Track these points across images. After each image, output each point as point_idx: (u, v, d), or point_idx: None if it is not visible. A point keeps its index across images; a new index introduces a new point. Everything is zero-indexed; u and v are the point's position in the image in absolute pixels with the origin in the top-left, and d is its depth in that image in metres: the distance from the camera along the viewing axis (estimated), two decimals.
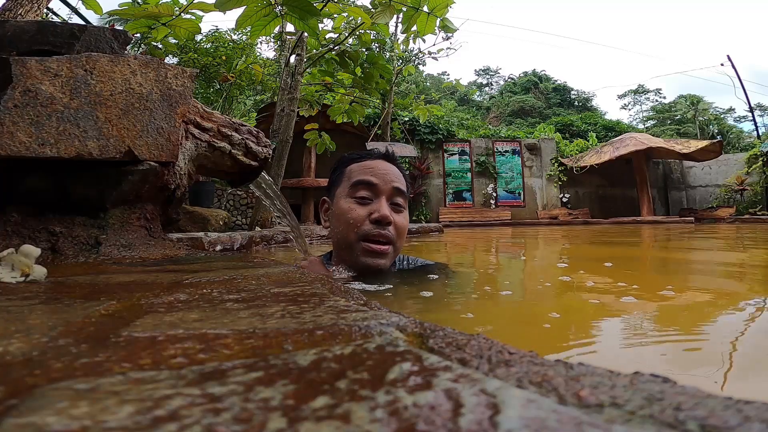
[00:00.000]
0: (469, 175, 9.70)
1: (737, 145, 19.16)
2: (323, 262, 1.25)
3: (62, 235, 0.98)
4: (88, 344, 0.30)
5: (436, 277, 1.16)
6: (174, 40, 2.83)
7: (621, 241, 3.42)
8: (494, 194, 9.52)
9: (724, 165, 10.03)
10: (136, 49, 4.96)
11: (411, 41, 4.41)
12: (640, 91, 36.57)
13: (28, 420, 0.18)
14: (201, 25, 2.17)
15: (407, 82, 17.95)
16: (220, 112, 1.41)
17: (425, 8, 2.28)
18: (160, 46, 2.90)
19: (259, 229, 3.45)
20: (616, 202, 9.94)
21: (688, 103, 28.47)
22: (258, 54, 8.58)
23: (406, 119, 9.00)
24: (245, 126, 1.42)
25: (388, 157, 1.22)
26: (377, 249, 1.08)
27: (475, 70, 42.04)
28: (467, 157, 9.74)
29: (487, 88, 39.32)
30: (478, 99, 35.08)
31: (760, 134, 11.99)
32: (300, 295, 0.49)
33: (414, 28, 2.46)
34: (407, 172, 1.29)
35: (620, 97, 37.81)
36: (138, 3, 3.03)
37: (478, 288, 1.17)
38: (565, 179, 9.65)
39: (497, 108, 29.45)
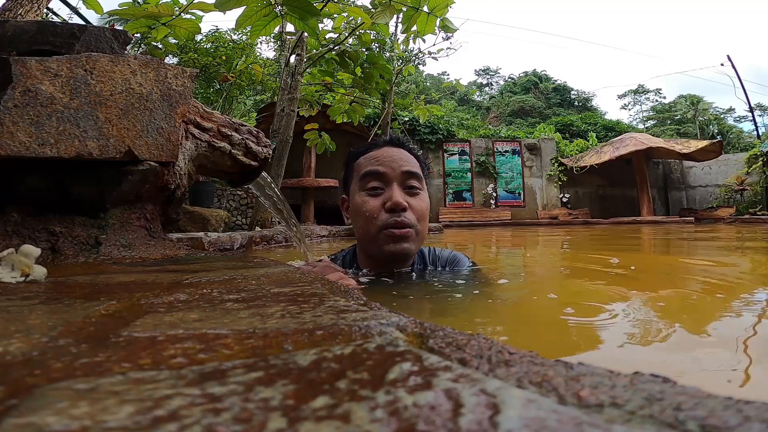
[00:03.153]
0: (469, 175, 9.70)
1: (737, 145, 19.16)
2: (335, 262, 1.23)
3: (62, 235, 0.98)
4: (88, 344, 0.30)
5: (465, 283, 1.12)
6: (174, 40, 2.83)
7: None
8: (494, 194, 9.52)
9: (724, 165, 10.03)
10: (136, 49, 4.96)
11: (411, 41, 4.41)
12: (640, 91, 36.57)
13: (28, 420, 0.18)
14: (201, 25, 2.17)
15: (407, 82, 17.95)
16: (220, 112, 1.41)
17: (425, 8, 2.28)
18: (160, 46, 2.90)
19: (259, 229, 3.45)
20: (616, 202, 9.94)
21: (688, 103, 28.47)
22: (258, 54, 8.59)
23: (406, 119, 9.00)
24: (245, 126, 1.42)
25: (394, 142, 1.19)
26: (398, 234, 1.07)
27: (475, 70, 42.09)
28: (467, 157, 9.75)
29: (487, 88, 39.33)
30: (478, 99, 35.09)
31: (760, 134, 11.99)
32: (300, 295, 0.49)
33: (414, 28, 2.46)
34: (420, 152, 1.23)
35: (620, 97, 37.84)
36: (138, 3, 3.03)
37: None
38: (565, 179, 9.65)
39: (497, 108, 29.46)
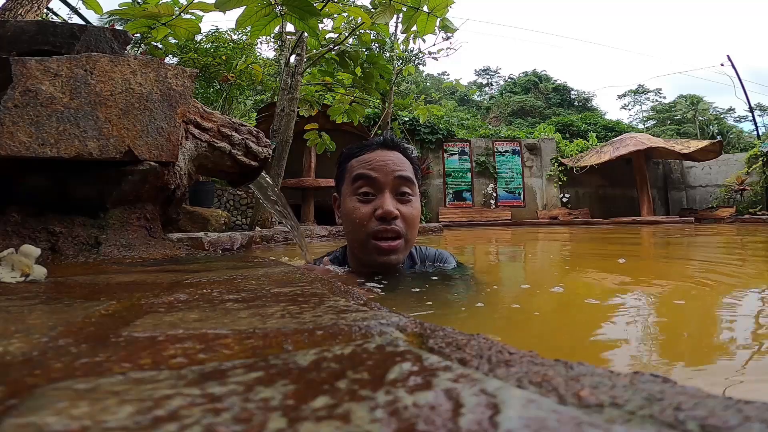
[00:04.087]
0: (469, 175, 9.70)
1: (737, 145, 19.14)
2: (332, 264, 1.24)
3: (62, 235, 0.98)
4: (88, 344, 0.30)
5: (454, 283, 1.13)
6: (174, 40, 2.83)
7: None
8: (494, 194, 9.52)
9: (724, 165, 10.03)
10: (136, 49, 4.96)
11: (411, 41, 4.41)
12: (640, 91, 36.56)
13: (28, 420, 0.18)
14: (201, 25, 2.17)
15: (407, 82, 17.95)
16: (220, 112, 1.41)
17: (425, 8, 2.28)
18: (160, 46, 2.90)
19: (259, 229, 3.44)
20: (616, 202, 9.94)
21: (688, 103, 28.47)
22: (258, 54, 8.59)
23: (406, 119, 9.00)
24: (245, 126, 1.42)
25: (387, 144, 1.16)
26: (386, 247, 1.06)
27: (475, 70, 42.08)
28: (467, 157, 9.74)
29: (487, 88, 39.32)
30: (478, 99, 35.07)
31: (760, 134, 11.99)
32: (300, 295, 0.49)
33: (414, 28, 2.46)
34: (414, 154, 1.20)
35: (620, 97, 37.83)
36: (138, 3, 3.03)
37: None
38: (565, 179, 9.65)
39: (497, 108, 29.44)
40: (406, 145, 1.20)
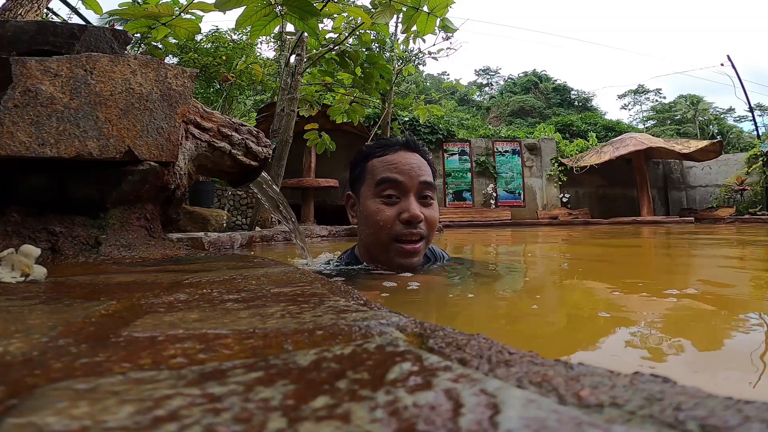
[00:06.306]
0: (469, 175, 9.70)
1: (737, 145, 19.13)
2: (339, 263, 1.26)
3: (62, 235, 0.98)
4: (88, 344, 0.30)
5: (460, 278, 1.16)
6: (174, 40, 2.83)
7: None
8: (494, 194, 9.52)
9: (724, 165, 10.03)
10: (136, 49, 4.96)
11: (411, 41, 4.41)
12: (640, 91, 36.56)
13: (28, 420, 0.18)
14: (201, 25, 2.17)
15: (407, 82, 17.95)
16: (220, 112, 1.41)
17: (425, 8, 2.28)
18: (160, 46, 2.90)
19: (259, 229, 3.44)
20: (616, 202, 9.94)
21: (688, 103, 28.46)
22: (258, 54, 8.58)
23: (406, 119, 9.00)
24: (245, 126, 1.42)
25: (410, 145, 1.16)
26: (410, 249, 1.07)
27: (475, 70, 42.08)
28: (467, 157, 9.74)
29: (487, 88, 39.33)
30: (478, 99, 35.08)
31: (760, 134, 11.99)
32: (300, 295, 0.49)
33: (414, 28, 2.46)
34: (430, 156, 1.22)
35: (620, 97, 37.82)
36: (138, 3, 3.03)
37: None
38: (565, 179, 9.65)
39: (497, 108, 29.44)
40: (423, 147, 1.21)
